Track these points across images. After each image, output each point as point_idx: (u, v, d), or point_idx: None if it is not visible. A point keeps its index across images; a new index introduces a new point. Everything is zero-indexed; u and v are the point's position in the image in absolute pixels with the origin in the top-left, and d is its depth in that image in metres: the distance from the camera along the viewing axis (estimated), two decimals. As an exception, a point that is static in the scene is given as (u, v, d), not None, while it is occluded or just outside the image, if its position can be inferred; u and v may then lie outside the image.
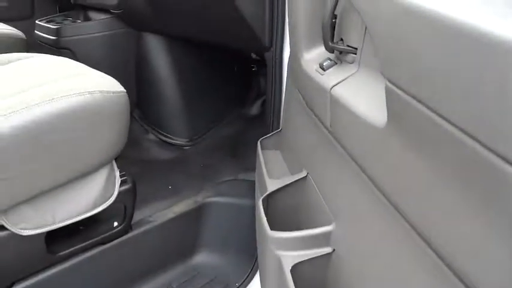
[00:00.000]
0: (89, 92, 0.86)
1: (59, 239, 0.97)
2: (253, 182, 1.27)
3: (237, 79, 1.74)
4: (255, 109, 1.73)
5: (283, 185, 0.76)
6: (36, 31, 1.61)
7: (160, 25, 1.45)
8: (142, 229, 1.13)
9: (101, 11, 1.60)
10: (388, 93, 0.37)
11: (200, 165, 1.45)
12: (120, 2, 1.38)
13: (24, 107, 0.77)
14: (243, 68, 1.73)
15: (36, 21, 1.62)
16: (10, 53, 1.71)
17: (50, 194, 0.88)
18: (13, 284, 0.92)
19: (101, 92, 0.88)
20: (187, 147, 1.60)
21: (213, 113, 1.67)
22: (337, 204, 0.62)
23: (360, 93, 0.51)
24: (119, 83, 0.98)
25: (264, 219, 0.67)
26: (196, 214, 1.23)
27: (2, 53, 1.68)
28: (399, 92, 0.35)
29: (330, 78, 0.58)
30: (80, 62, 1.49)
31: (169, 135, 1.60)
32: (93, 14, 1.70)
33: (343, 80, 0.55)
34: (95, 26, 1.50)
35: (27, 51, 1.77)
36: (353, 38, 0.57)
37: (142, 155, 1.56)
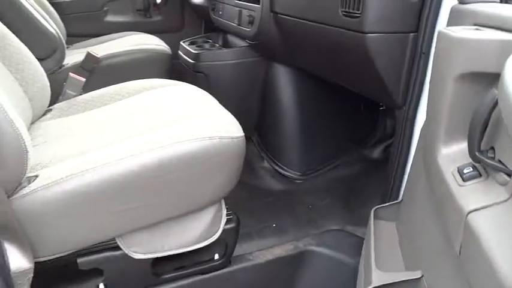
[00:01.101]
0: (209, 138, 0.88)
1: (164, 263, 1.03)
2: (361, 239, 1.18)
3: (362, 117, 1.65)
4: (377, 153, 1.61)
5: (390, 281, 0.67)
6: (179, 51, 1.76)
7: (292, 58, 1.45)
8: (240, 266, 1.14)
9: (239, 37, 1.67)
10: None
11: (308, 206, 1.40)
12: (256, 34, 1.41)
13: (151, 148, 0.83)
14: (370, 106, 1.63)
15: (181, 43, 1.77)
16: (157, 65, 1.91)
17: (162, 225, 0.94)
18: (120, 296, 1.01)
19: (220, 138, 0.90)
20: (298, 181, 1.57)
21: (331, 149, 1.61)
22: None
23: (508, 236, 0.41)
24: (239, 127, 0.99)
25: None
26: (295, 260, 1.19)
27: (150, 66, 1.89)
28: None
29: (469, 197, 0.48)
30: (211, 84, 1.60)
31: (282, 166, 1.59)
32: (231, 38, 1.79)
33: (486, 207, 0.45)
34: (229, 54, 1.57)
35: (171, 62, 1.96)
36: (509, 154, 0.46)
37: (254, 182, 1.58)
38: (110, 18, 2.32)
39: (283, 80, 1.55)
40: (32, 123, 1.09)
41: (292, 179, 1.57)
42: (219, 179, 0.94)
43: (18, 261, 0.75)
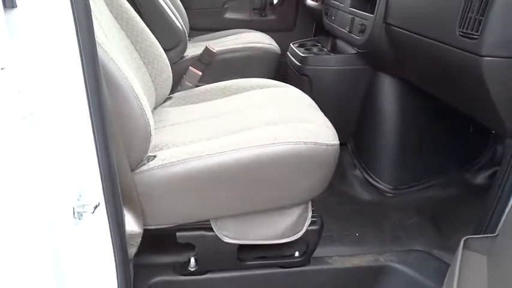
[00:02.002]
0: (305, 142, 0.94)
1: (248, 251, 1.12)
2: (446, 265, 1.14)
3: (470, 138, 1.55)
4: (480, 178, 1.50)
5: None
6: (287, 52, 1.83)
7: (399, 70, 1.42)
8: (319, 267, 1.18)
9: (348, 43, 1.68)
10: None
11: (395, 222, 1.38)
12: (366, 43, 1.41)
13: (250, 145, 0.91)
14: (481, 128, 1.52)
15: (290, 45, 1.83)
16: (266, 63, 2.01)
17: (250, 216, 1.02)
18: (207, 272, 1.12)
19: (315, 143, 0.95)
20: (388, 195, 1.54)
21: (428, 167, 1.54)
22: None
23: None
24: (336, 134, 1.02)
25: None
26: (374, 273, 1.19)
27: (260, 63, 2.00)
28: None
29: None
30: (314, 88, 1.65)
31: (374, 177, 1.58)
32: (340, 44, 1.81)
33: None
34: (335, 60, 1.59)
35: (279, 61, 2.05)
36: None
37: (343, 188, 1.59)
38: (228, 15, 2.50)
39: (387, 90, 1.53)
40: (155, 108, 1.26)
41: (382, 191, 1.55)
42: (309, 182, 0.99)
43: (132, 225, 0.89)
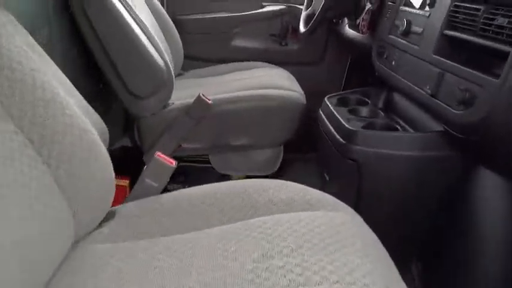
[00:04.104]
0: None
1: None
2: None
3: None
4: None
5: None
6: (320, 112, 1.21)
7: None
8: None
9: (416, 102, 1.07)
10: None
11: None
12: (475, 123, 0.79)
13: None
14: None
15: (326, 99, 1.22)
16: (284, 116, 1.40)
17: None
18: None
19: None
20: None
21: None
22: None
23: None
24: None
25: None
26: None
27: (275, 116, 1.39)
28: None
29: None
30: (364, 180, 1.02)
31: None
32: (398, 99, 1.20)
33: None
34: (407, 141, 0.97)
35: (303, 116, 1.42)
36: None
37: None
38: (237, 42, 1.90)
39: (492, 196, 0.91)
40: (74, 247, 0.65)
41: None
42: None
43: None
